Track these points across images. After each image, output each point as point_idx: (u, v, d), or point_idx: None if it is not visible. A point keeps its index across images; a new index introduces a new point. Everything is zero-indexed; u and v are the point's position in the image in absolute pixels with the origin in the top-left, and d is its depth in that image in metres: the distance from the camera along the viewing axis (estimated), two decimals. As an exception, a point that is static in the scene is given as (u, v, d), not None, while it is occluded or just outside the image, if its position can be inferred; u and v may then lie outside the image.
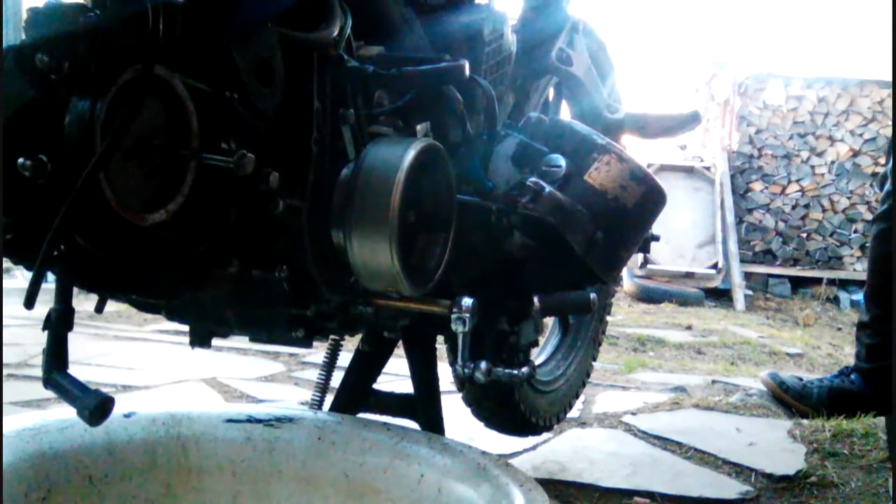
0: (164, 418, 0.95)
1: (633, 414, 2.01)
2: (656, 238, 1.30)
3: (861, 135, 6.52)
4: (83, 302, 0.91)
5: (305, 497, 0.94)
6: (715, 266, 6.25)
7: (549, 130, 1.04)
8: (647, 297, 5.72)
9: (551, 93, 1.43)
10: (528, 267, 1.01)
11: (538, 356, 1.58)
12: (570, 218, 0.94)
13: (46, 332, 0.69)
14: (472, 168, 0.97)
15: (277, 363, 2.53)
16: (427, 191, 0.81)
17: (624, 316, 4.41)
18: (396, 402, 1.14)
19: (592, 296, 1.06)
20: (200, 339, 0.90)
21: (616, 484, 1.47)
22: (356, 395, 1.14)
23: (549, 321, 1.62)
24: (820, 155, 6.57)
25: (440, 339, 1.15)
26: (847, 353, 3.78)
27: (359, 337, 1.11)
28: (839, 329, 5.49)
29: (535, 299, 1.04)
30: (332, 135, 0.81)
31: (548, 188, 0.95)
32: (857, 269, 6.46)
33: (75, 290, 0.70)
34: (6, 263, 0.68)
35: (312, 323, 0.86)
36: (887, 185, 2.04)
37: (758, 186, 6.63)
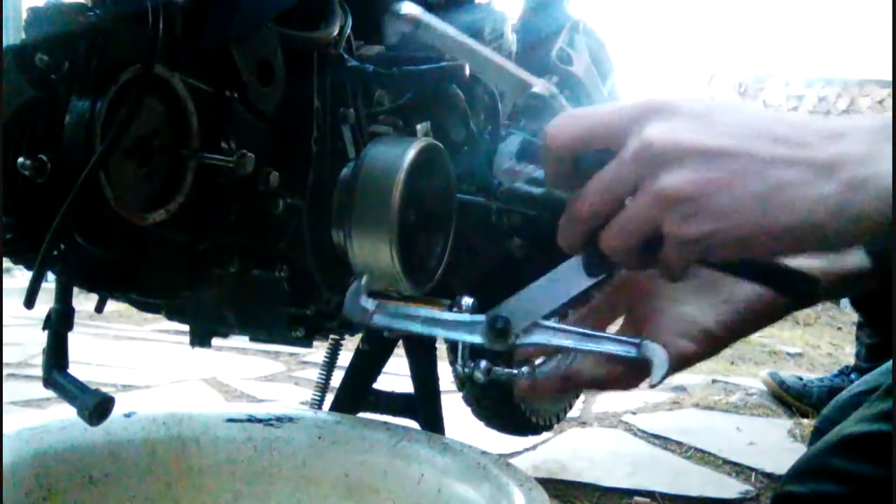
0: (164, 418, 0.95)
1: (633, 413, 2.01)
2: (656, 237, 1.30)
3: (861, 134, 6.52)
4: (83, 302, 0.91)
5: (305, 497, 0.94)
6: (715, 265, 6.24)
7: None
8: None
9: (551, 92, 1.43)
10: (528, 265, 1.01)
11: (538, 356, 1.57)
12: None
13: (46, 332, 0.69)
14: (476, 166, 0.97)
15: (277, 363, 2.53)
16: (427, 190, 0.81)
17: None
18: (396, 401, 1.14)
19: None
20: (200, 338, 0.90)
21: (616, 483, 1.47)
22: (356, 394, 1.14)
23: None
24: (820, 154, 6.57)
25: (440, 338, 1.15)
26: (847, 353, 3.78)
27: (359, 337, 1.11)
28: (839, 329, 5.48)
29: None
30: (332, 134, 0.81)
31: (548, 187, 0.95)
32: (857, 268, 6.44)
33: (75, 290, 0.70)
34: (6, 263, 0.67)
35: (312, 322, 0.86)
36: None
37: (758, 186, 6.63)
